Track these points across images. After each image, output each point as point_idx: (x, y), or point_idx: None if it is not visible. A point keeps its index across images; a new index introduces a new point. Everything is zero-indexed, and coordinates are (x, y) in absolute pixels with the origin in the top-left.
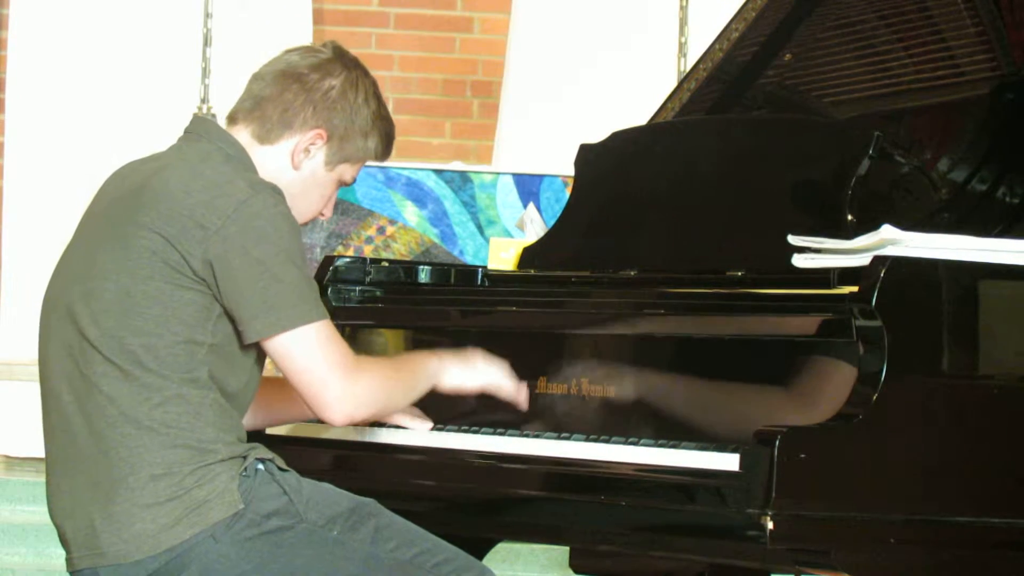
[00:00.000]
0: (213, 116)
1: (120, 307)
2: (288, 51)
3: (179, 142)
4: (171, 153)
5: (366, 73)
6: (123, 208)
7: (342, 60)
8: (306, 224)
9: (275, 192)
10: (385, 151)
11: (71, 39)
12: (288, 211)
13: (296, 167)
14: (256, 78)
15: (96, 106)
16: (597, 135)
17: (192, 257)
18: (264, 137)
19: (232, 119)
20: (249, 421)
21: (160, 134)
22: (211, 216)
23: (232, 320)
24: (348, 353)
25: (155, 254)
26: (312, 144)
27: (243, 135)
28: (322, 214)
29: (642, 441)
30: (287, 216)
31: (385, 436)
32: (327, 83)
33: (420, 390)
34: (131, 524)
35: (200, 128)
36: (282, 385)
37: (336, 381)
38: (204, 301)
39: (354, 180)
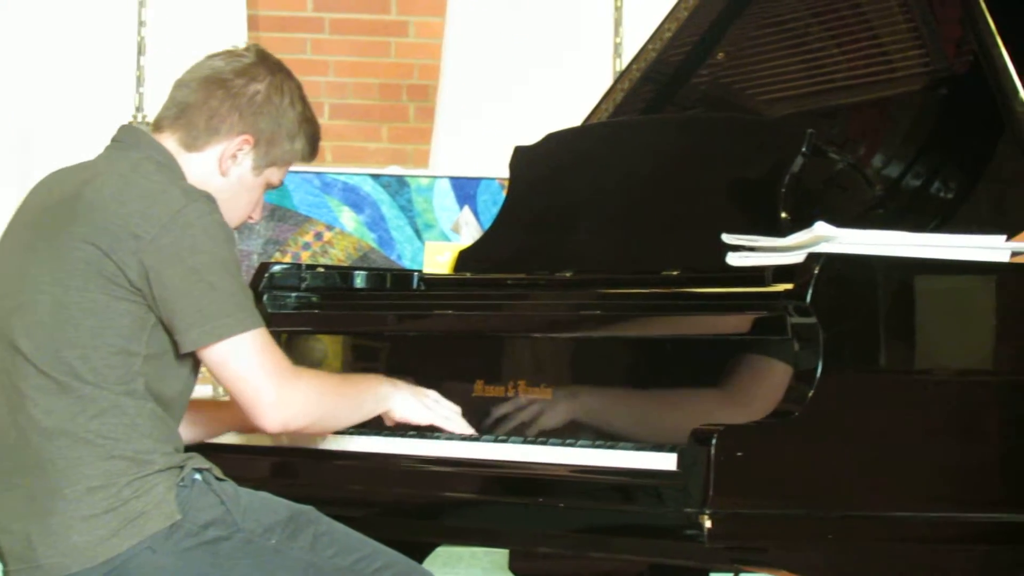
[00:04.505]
0: (148, 125)
1: (54, 319)
2: (211, 56)
3: (108, 151)
4: (101, 163)
5: (290, 76)
6: (54, 219)
7: (266, 64)
8: (236, 228)
9: (209, 200)
10: (311, 152)
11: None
12: (222, 219)
13: (224, 173)
14: (180, 85)
15: (27, 115)
16: (533, 137)
17: (128, 268)
18: (191, 144)
19: (158, 127)
20: (189, 436)
21: (93, 144)
22: (145, 225)
23: (167, 330)
24: (284, 361)
25: (90, 265)
26: (239, 150)
27: (170, 143)
28: (251, 217)
29: (579, 442)
30: (221, 224)
31: (321, 442)
32: (252, 88)
33: (367, 410)
34: (68, 536)
35: (129, 137)
36: (223, 406)
37: (271, 388)
38: (139, 311)
39: (281, 183)
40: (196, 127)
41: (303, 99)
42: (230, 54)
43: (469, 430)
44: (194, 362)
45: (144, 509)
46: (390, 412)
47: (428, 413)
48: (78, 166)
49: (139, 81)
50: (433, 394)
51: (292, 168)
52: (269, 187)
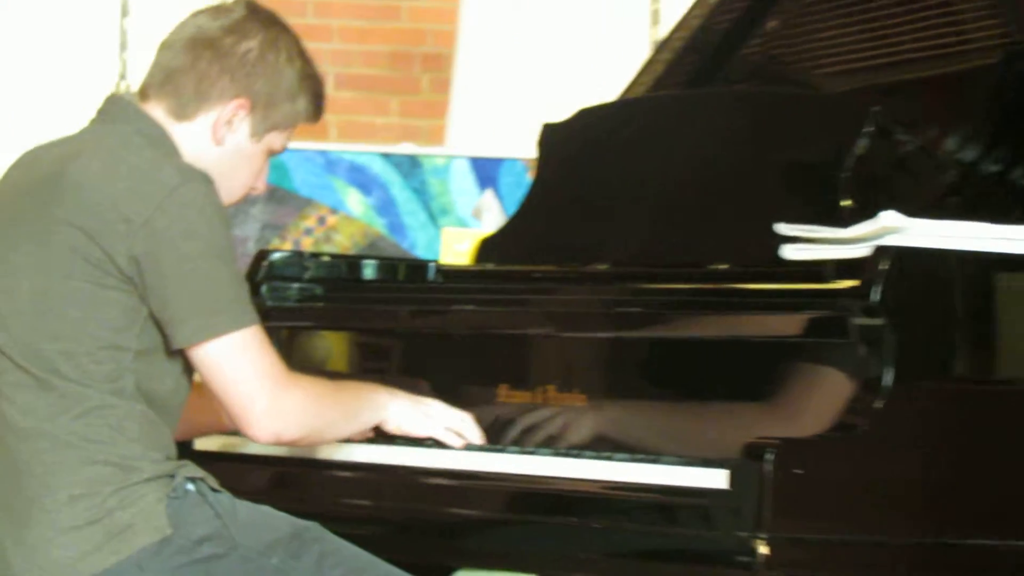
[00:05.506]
0: (132, 94)
1: (35, 309)
2: (196, 13)
3: (93, 125)
4: (85, 137)
5: (285, 29)
6: (35, 200)
7: (257, 18)
8: (239, 201)
9: (206, 180)
10: (316, 111)
11: None
12: (219, 202)
13: (219, 143)
14: (165, 47)
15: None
16: (562, 113)
17: (116, 253)
18: (180, 113)
19: (143, 95)
20: None
21: (73, 114)
22: (137, 207)
23: (158, 323)
24: (279, 364)
25: (75, 250)
26: (234, 116)
27: (157, 112)
28: (254, 188)
29: (617, 456)
30: (219, 208)
31: (323, 451)
32: (243, 46)
33: (363, 421)
34: (47, 551)
35: (116, 109)
36: (198, 392)
37: (264, 395)
38: (130, 302)
39: (284, 148)
40: (184, 93)
41: (302, 54)
42: (217, 10)
43: (478, 438)
44: (188, 360)
45: (131, 521)
46: (384, 423)
47: (427, 423)
48: (60, 141)
49: (122, 45)
50: (437, 404)
51: (292, 143)
52: (272, 154)
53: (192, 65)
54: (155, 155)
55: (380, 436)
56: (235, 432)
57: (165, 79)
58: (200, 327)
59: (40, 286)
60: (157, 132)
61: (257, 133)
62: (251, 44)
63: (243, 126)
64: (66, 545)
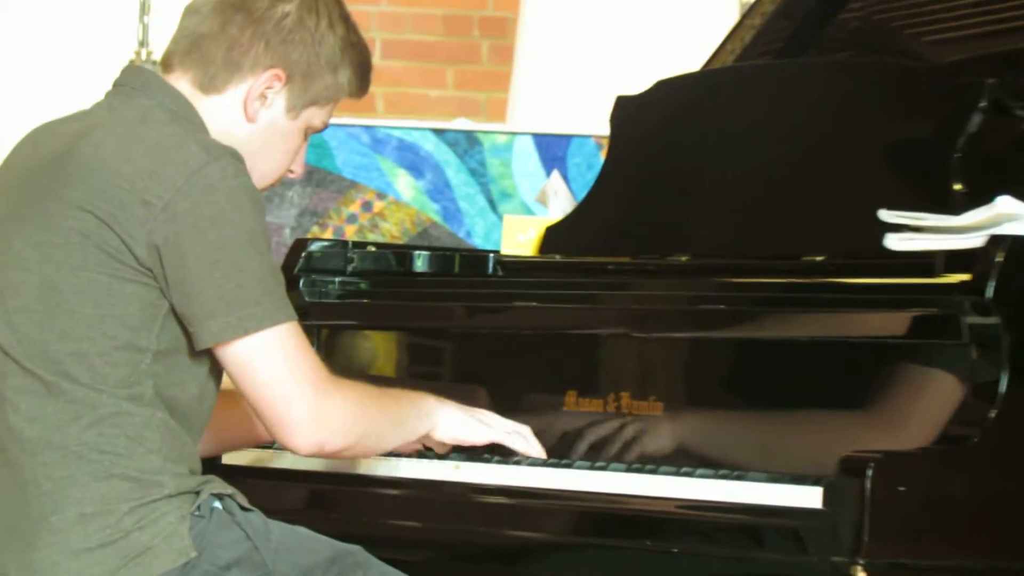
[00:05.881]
0: (153, 63)
1: (43, 305)
2: None
3: (109, 98)
4: (100, 112)
5: None
6: (43, 181)
7: None
8: (273, 186)
9: (235, 158)
10: (361, 84)
11: None
12: (250, 183)
13: (251, 119)
14: (191, 11)
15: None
16: (639, 84)
17: (134, 241)
18: (208, 85)
19: (167, 65)
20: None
21: (86, 86)
22: (157, 188)
23: (181, 320)
24: (320, 366)
25: (87, 238)
26: (268, 88)
27: (182, 84)
28: (291, 172)
29: (698, 472)
30: (250, 189)
31: (366, 466)
32: (279, 9)
33: (410, 430)
34: None
35: (135, 80)
36: (229, 400)
37: (304, 399)
38: (149, 296)
39: (325, 125)
40: (213, 63)
41: (345, 19)
42: None
43: (542, 452)
44: (214, 363)
45: (150, 543)
46: (433, 432)
47: (484, 430)
48: (71, 116)
49: (143, 8)
50: (489, 415)
51: (333, 118)
52: (311, 132)
53: (221, 30)
54: (178, 131)
55: (428, 450)
56: (269, 444)
57: (191, 47)
58: (228, 324)
59: (48, 279)
60: (181, 106)
61: (294, 108)
62: (288, 7)
63: (278, 100)
64: (76, 570)
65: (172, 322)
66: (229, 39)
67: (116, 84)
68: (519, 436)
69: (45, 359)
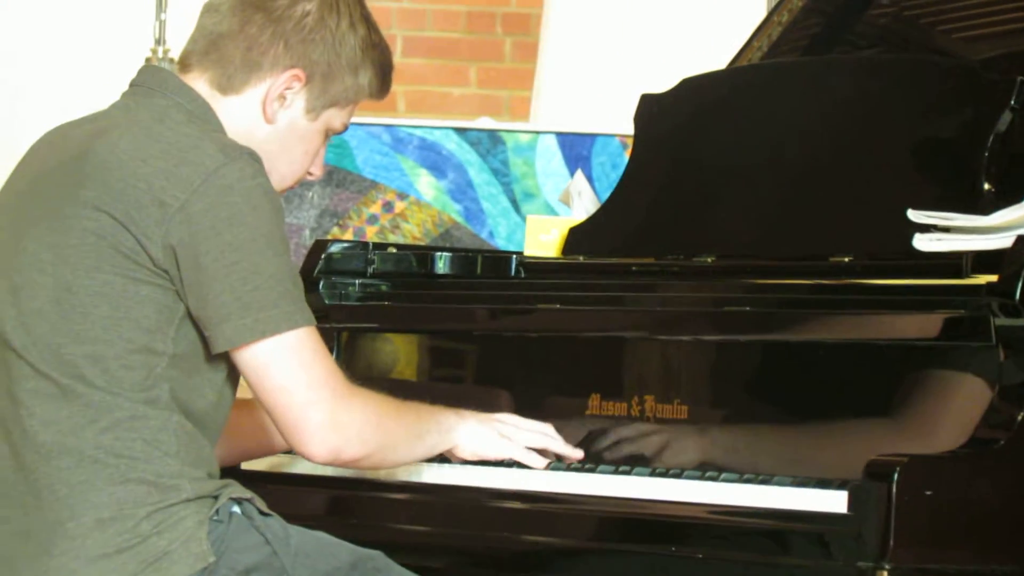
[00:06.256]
0: (170, 62)
1: (58, 307)
2: None
3: (125, 98)
4: (116, 112)
5: None
6: (58, 182)
7: None
8: (292, 187)
9: (253, 159)
10: (382, 86)
11: None
12: (269, 184)
13: (270, 120)
14: (209, 9)
15: (18, 51)
16: (665, 83)
17: (150, 242)
18: (226, 85)
19: (184, 65)
20: None
21: (103, 85)
22: (173, 189)
23: (197, 323)
24: (338, 371)
25: (102, 239)
26: (288, 88)
27: (200, 84)
28: (310, 174)
29: (722, 476)
30: (268, 191)
31: (391, 471)
32: (299, 8)
33: (430, 446)
34: None
35: (152, 80)
36: (246, 409)
37: (321, 405)
38: (165, 299)
39: (346, 127)
40: (231, 63)
41: (366, 19)
42: None
43: (575, 453)
44: (231, 368)
45: (168, 548)
46: (456, 448)
47: (504, 445)
48: (87, 118)
49: (160, 6)
50: (510, 418)
51: (353, 117)
52: (331, 134)
53: (240, 30)
54: (195, 131)
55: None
56: (287, 451)
57: (209, 46)
58: (244, 326)
59: (63, 280)
60: (199, 106)
61: (314, 109)
62: (308, 6)
63: (298, 101)
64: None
65: (188, 326)
66: (248, 38)
67: (133, 84)
68: (536, 454)
69: (60, 362)
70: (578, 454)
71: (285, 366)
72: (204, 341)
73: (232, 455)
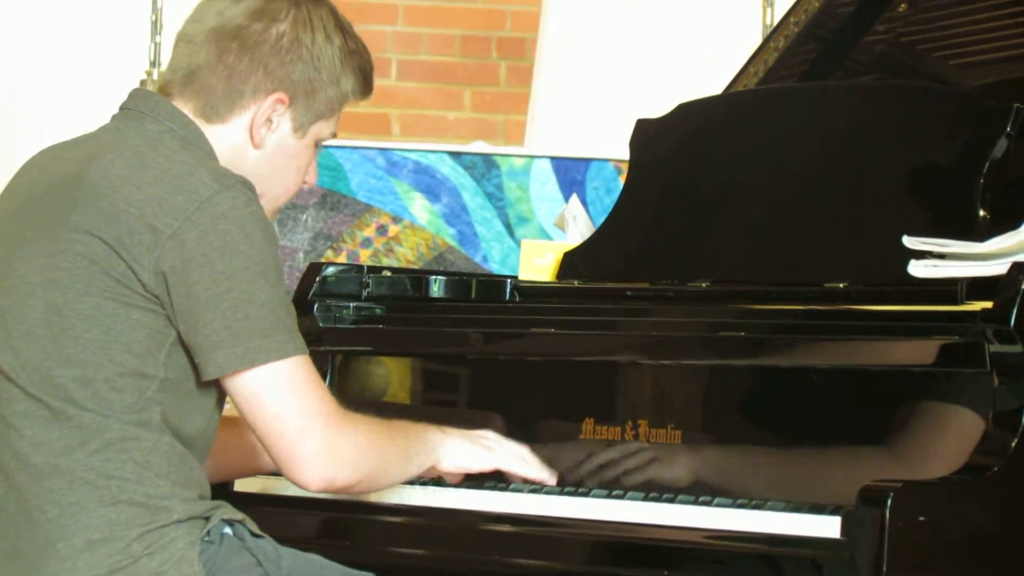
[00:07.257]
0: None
1: (48, 330)
2: None
3: (115, 121)
4: (108, 136)
5: (317, 1)
6: (49, 205)
7: None
8: (289, 201)
9: (246, 187)
10: (365, 88)
11: None
12: (262, 213)
13: (259, 145)
14: (184, 40)
15: (10, 72)
16: (660, 108)
17: (141, 267)
18: (211, 114)
19: (166, 93)
20: None
21: (98, 107)
22: (165, 216)
23: (188, 349)
24: (331, 399)
25: (94, 263)
26: (273, 112)
27: (187, 112)
28: (305, 182)
29: (716, 501)
30: (261, 220)
31: (382, 494)
32: (273, 31)
33: (417, 465)
34: None
35: (143, 104)
36: (233, 427)
37: (314, 434)
38: (156, 324)
39: (334, 134)
40: (213, 92)
41: (341, 27)
42: None
43: (552, 478)
44: (220, 393)
45: (159, 570)
46: (439, 463)
47: (489, 456)
48: (79, 139)
49: (155, 27)
50: (493, 436)
51: (348, 141)
52: (321, 143)
53: (218, 60)
54: (189, 159)
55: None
56: (276, 472)
57: (189, 77)
58: (235, 355)
59: (54, 303)
60: (192, 132)
61: (301, 127)
62: (282, 27)
63: (284, 122)
64: None
65: (179, 351)
66: (227, 68)
67: (123, 107)
68: (523, 462)
69: (50, 384)
70: (551, 481)
71: (277, 395)
72: (196, 368)
73: (219, 474)
